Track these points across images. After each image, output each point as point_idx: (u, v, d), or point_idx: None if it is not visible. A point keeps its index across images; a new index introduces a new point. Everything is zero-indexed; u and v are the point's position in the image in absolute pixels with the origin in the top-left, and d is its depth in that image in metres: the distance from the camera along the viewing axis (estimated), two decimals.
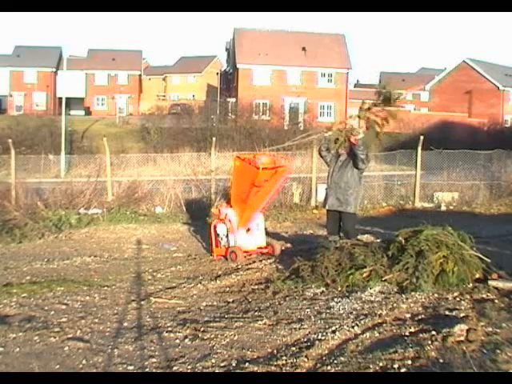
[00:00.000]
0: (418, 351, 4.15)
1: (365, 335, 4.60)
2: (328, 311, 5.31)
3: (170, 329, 4.96)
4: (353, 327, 4.79)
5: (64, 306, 5.72)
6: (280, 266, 7.37)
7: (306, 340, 4.56)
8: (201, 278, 7.01)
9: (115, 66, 60.88)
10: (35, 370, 4.06)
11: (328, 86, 47.05)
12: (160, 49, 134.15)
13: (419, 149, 14.07)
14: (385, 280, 6.00)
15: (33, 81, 55.93)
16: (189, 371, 4.01)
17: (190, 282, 6.72)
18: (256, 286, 6.49)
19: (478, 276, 6.05)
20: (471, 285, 5.91)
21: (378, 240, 6.84)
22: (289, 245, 9.08)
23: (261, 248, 8.35)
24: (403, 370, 3.86)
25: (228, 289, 6.49)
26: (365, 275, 6.08)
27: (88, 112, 57.11)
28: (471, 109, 47.30)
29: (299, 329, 4.83)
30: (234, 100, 45.53)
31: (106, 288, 6.50)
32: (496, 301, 5.42)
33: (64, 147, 27.63)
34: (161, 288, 6.50)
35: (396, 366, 3.93)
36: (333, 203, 7.79)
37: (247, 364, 4.08)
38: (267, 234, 8.81)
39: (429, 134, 23.88)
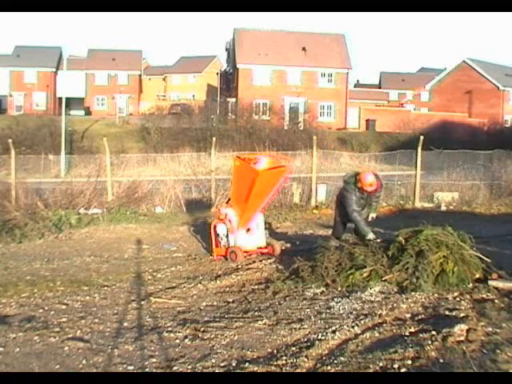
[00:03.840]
0: (418, 351, 4.16)
1: (365, 335, 4.60)
2: (328, 311, 5.31)
3: (170, 329, 4.97)
4: (353, 327, 4.80)
5: (64, 306, 5.72)
6: (280, 266, 7.38)
7: (305, 340, 4.57)
8: (201, 277, 7.01)
9: (115, 65, 60.83)
10: (35, 369, 4.06)
11: (328, 86, 47.03)
12: (160, 49, 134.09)
13: (419, 149, 14.07)
14: (385, 280, 6.00)
15: (33, 81, 55.89)
16: (189, 371, 4.01)
17: (190, 282, 6.73)
18: (256, 286, 6.49)
19: (478, 276, 6.05)
20: (471, 285, 5.91)
21: (378, 240, 6.84)
22: (289, 245, 9.08)
23: (261, 248, 8.35)
24: (403, 370, 3.86)
25: (228, 289, 6.49)
26: (365, 275, 6.08)
27: (88, 112, 57.09)
28: (471, 109, 47.30)
29: (299, 329, 4.84)
30: (234, 100, 45.51)
31: (106, 288, 6.50)
32: (496, 301, 5.43)
33: (64, 147, 27.63)
34: (161, 288, 6.50)
35: (396, 365, 3.93)
36: None
37: (247, 364, 4.08)
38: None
39: (429, 133, 23.92)
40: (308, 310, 5.40)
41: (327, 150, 18.71)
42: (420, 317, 5.07)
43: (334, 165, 18.07)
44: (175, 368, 4.07)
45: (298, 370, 3.95)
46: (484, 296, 5.60)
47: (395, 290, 5.87)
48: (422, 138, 14.03)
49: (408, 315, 5.14)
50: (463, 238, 6.24)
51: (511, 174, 15.30)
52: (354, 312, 5.24)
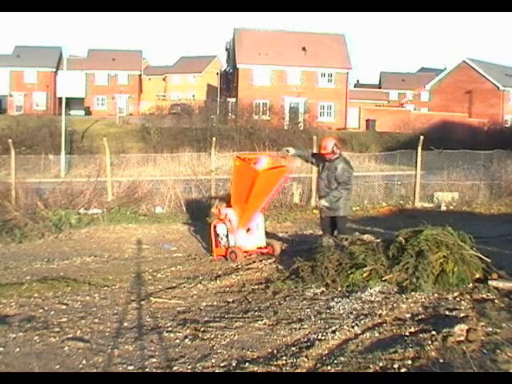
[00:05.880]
0: (418, 351, 4.15)
1: (365, 335, 4.60)
2: (328, 311, 5.31)
3: (170, 329, 4.96)
4: (353, 327, 4.79)
5: (64, 306, 5.72)
6: (280, 266, 7.37)
7: (305, 340, 4.56)
8: (201, 277, 7.01)
9: (115, 65, 60.85)
10: (35, 370, 4.06)
11: (328, 86, 47.06)
12: (160, 49, 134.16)
13: (419, 149, 14.06)
14: (385, 280, 6.00)
15: (33, 81, 55.90)
16: (189, 371, 4.01)
17: (190, 282, 6.73)
18: (256, 286, 6.49)
19: (478, 276, 6.05)
20: (471, 285, 5.91)
21: (378, 240, 6.83)
22: (289, 245, 9.08)
23: (261, 248, 8.35)
24: (403, 370, 3.86)
25: (228, 289, 6.49)
26: (365, 275, 6.08)
27: (88, 112, 57.06)
28: (471, 109, 47.32)
29: (299, 329, 4.83)
30: (234, 100, 45.51)
31: (105, 288, 6.50)
32: (496, 301, 5.43)
33: (64, 147, 27.60)
34: (161, 288, 6.51)
35: (396, 365, 3.93)
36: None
37: (247, 364, 4.08)
38: (267, 234, 8.81)
39: (429, 133, 23.92)
40: (308, 309, 5.40)
41: None
42: (420, 317, 5.07)
43: None
44: (175, 368, 4.07)
45: (298, 370, 3.95)
46: (484, 296, 5.59)
47: (395, 289, 5.86)
48: (421, 138, 14.03)
49: (408, 315, 5.13)
50: (463, 238, 6.24)
51: (511, 174, 15.29)
52: (354, 312, 5.24)
